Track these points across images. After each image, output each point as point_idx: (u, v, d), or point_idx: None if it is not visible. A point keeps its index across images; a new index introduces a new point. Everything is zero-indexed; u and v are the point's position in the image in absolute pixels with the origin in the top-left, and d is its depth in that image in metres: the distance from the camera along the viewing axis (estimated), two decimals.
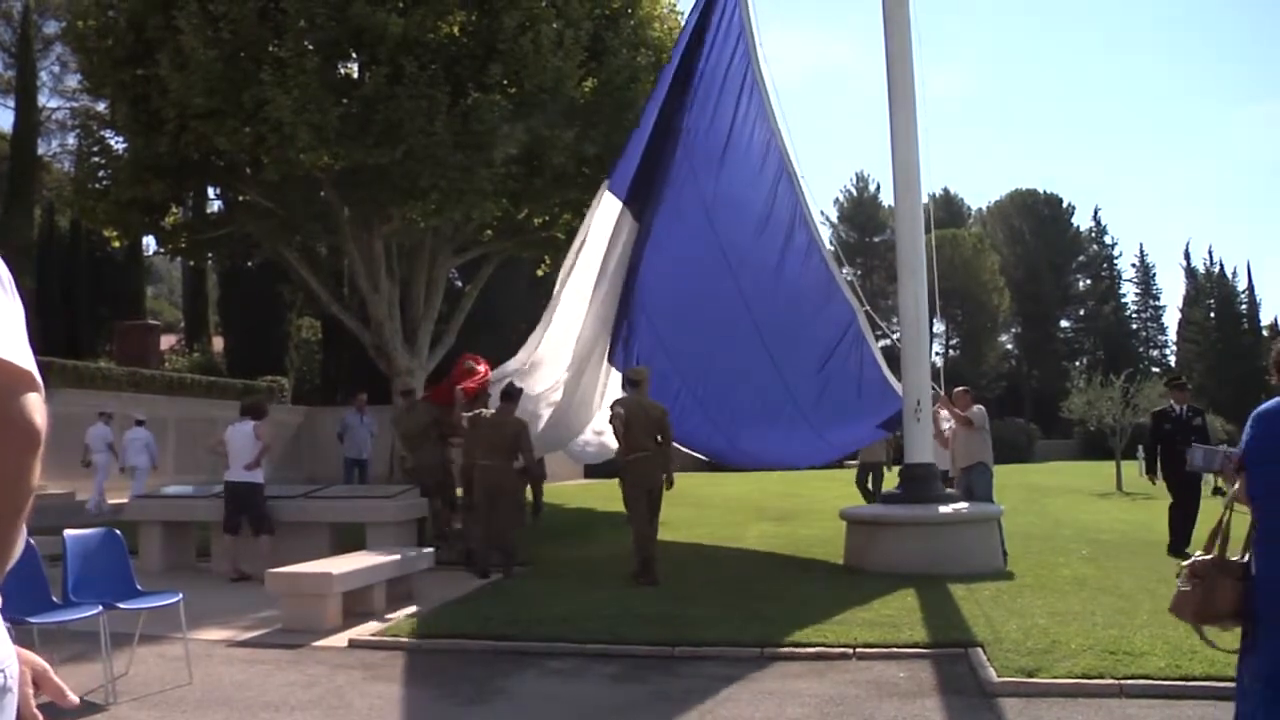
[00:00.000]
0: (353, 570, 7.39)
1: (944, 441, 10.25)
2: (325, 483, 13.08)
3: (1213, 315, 57.44)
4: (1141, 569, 8.89)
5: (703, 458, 13.51)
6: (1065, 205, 62.90)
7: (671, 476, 9.06)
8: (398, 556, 8.07)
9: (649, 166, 10.80)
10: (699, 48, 10.74)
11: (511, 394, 9.49)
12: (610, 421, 9.30)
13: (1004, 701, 5.01)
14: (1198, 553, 3.24)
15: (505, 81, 13.90)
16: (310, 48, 13.40)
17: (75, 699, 1.38)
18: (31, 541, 4.00)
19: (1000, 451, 12.40)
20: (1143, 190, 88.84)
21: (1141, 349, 61.01)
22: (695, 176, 10.90)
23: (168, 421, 19.17)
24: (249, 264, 27.61)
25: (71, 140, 29.04)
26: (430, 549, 8.98)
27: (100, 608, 5.40)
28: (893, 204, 12.49)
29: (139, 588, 5.99)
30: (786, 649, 6.13)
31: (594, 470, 19.80)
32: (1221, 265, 59.65)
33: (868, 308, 10.98)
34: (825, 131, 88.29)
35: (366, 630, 6.94)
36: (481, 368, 11.16)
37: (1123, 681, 5.11)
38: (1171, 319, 62.54)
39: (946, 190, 64.99)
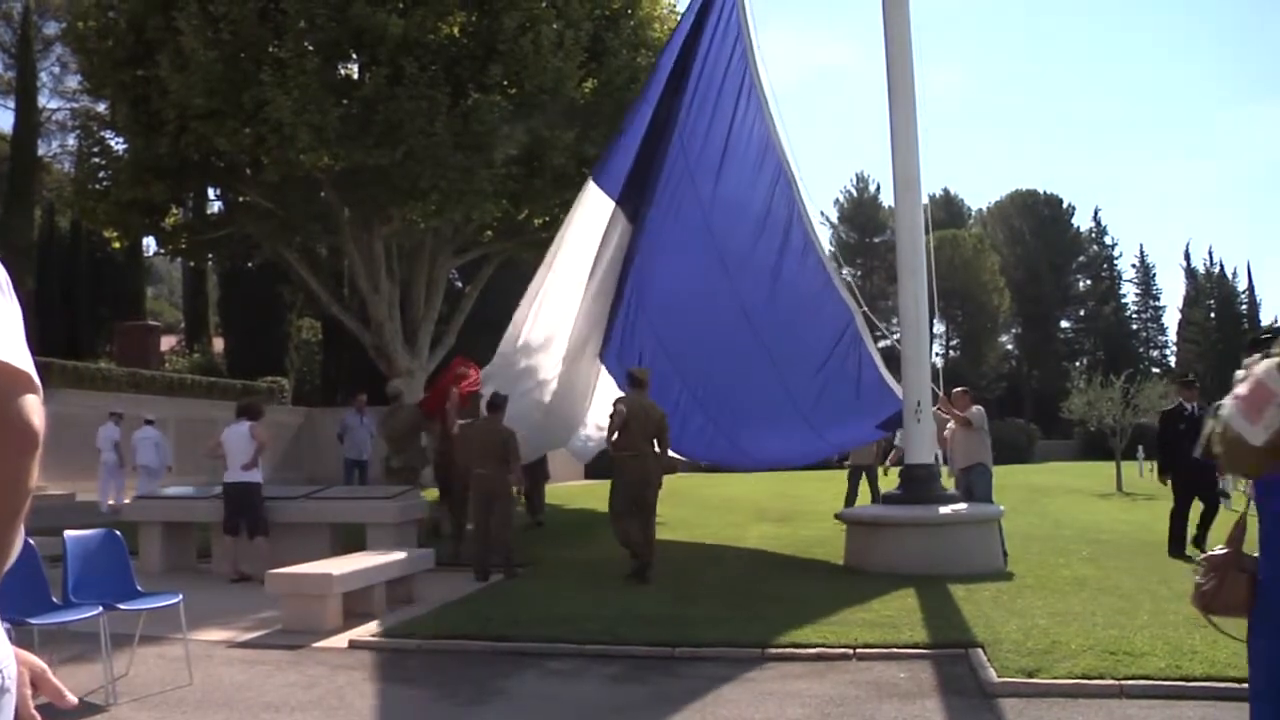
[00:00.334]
0: (353, 571, 7.40)
1: (942, 442, 10.26)
2: (325, 483, 13.08)
3: (1213, 315, 57.37)
4: (1142, 569, 8.89)
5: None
6: (1065, 205, 62.83)
7: (660, 481, 9.14)
8: (398, 557, 8.08)
9: (643, 167, 10.78)
10: (696, 48, 10.71)
11: (497, 403, 9.64)
12: (610, 416, 9.33)
13: (1004, 702, 5.00)
14: (1218, 547, 3.27)
15: (505, 82, 13.91)
16: (310, 48, 13.42)
17: (73, 700, 1.38)
18: (31, 542, 4.01)
19: (1000, 452, 12.38)
20: (1143, 190, 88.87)
21: (1142, 349, 60.96)
22: (693, 178, 10.87)
23: (168, 422, 19.17)
24: (249, 265, 27.63)
25: (72, 141, 29.15)
26: (430, 549, 9.01)
27: (100, 608, 5.40)
28: (892, 204, 12.48)
29: (139, 588, 5.99)
30: (787, 649, 6.13)
31: (594, 470, 19.78)
32: (1221, 265, 59.74)
33: (865, 309, 10.97)
34: (824, 132, 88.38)
35: (367, 631, 6.94)
36: (473, 373, 11.50)
37: (1123, 682, 5.11)
38: (1172, 319, 62.57)
39: (946, 190, 65.10)
